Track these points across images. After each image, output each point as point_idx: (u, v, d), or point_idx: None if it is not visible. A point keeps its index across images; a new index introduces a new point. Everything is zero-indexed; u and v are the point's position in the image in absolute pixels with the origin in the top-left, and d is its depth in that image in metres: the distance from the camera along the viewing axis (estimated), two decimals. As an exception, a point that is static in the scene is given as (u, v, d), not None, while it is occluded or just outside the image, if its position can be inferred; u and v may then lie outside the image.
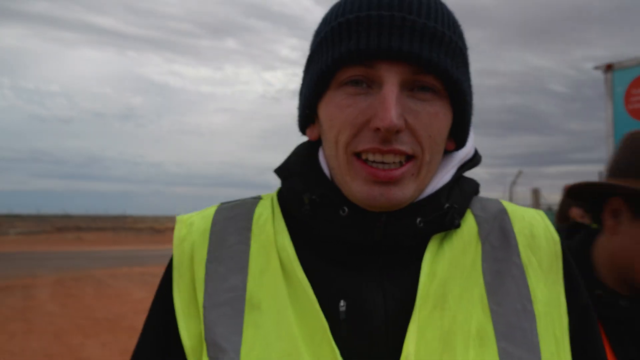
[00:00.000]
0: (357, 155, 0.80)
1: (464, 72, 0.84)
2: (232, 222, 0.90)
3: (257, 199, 0.95)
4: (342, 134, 0.79)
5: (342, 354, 0.78)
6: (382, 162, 0.78)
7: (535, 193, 19.40)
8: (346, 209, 0.83)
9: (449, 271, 0.84)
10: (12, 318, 10.16)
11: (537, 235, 0.90)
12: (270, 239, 0.87)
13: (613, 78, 6.28)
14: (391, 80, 0.77)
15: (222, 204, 0.96)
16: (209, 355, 0.80)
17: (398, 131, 0.77)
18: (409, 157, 0.80)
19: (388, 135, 0.76)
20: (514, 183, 17.28)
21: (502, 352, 0.79)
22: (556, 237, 0.91)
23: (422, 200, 0.85)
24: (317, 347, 0.78)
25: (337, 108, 0.80)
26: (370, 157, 0.79)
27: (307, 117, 0.89)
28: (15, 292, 13.45)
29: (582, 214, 4.43)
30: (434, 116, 0.80)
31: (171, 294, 0.88)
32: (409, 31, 0.76)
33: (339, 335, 0.79)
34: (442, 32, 0.79)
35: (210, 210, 0.94)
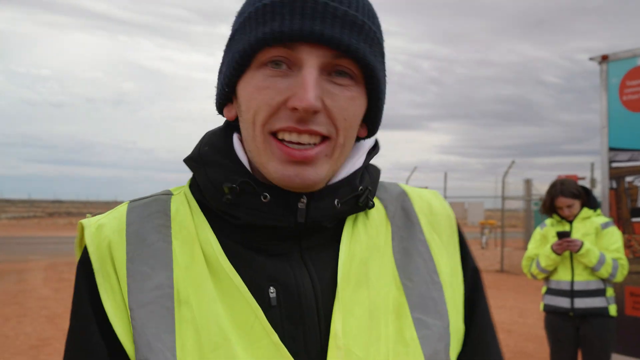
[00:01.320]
0: (274, 135, 0.82)
1: (380, 62, 0.87)
2: (149, 220, 0.88)
3: (169, 194, 0.93)
4: (259, 114, 0.81)
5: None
6: (298, 143, 0.80)
7: (528, 183, 19.50)
8: (267, 195, 0.84)
9: (367, 251, 0.89)
10: (6, 302, 10.16)
11: (435, 212, 0.98)
12: (192, 234, 0.86)
13: (608, 69, 6.31)
14: (311, 63, 0.79)
15: (131, 202, 0.93)
16: (138, 357, 0.79)
17: (315, 112, 0.79)
18: (324, 139, 0.82)
19: (305, 115, 0.78)
20: (506, 174, 17.35)
21: (416, 321, 0.86)
22: (451, 213, 1.00)
23: (339, 182, 0.88)
24: (249, 334, 0.80)
25: (255, 89, 0.81)
26: (287, 137, 0.80)
27: (226, 96, 0.90)
28: (8, 276, 13.43)
29: (569, 203, 4.51)
30: (351, 100, 0.83)
31: (97, 301, 0.83)
32: (331, 17, 0.79)
33: (272, 321, 0.81)
34: (362, 21, 0.82)
35: (121, 210, 0.90)
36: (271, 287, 0.83)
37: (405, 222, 0.95)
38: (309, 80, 0.78)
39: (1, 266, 15.23)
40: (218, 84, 0.91)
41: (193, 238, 0.86)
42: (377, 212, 0.95)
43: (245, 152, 0.90)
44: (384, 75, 0.90)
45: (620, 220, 6.11)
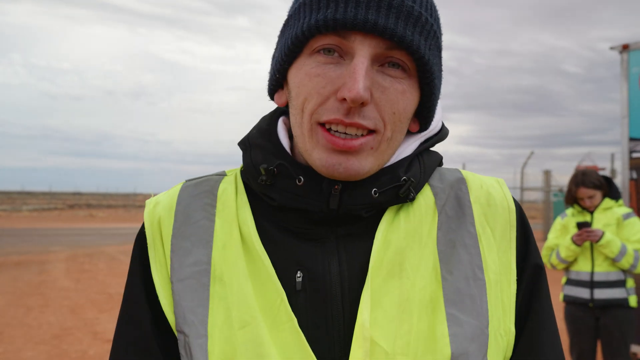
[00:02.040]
0: (321, 124, 0.81)
1: (435, 55, 0.85)
2: (197, 199, 0.92)
3: (222, 175, 0.97)
4: (309, 102, 0.81)
5: (299, 323, 0.81)
6: (345, 133, 0.80)
7: (547, 174, 19.31)
8: (302, 178, 0.84)
9: (405, 241, 0.86)
10: (29, 293, 10.32)
11: (493, 204, 0.92)
12: (233, 214, 0.89)
13: (629, 58, 6.22)
14: (363, 53, 0.78)
15: (187, 181, 0.97)
16: (177, 328, 0.84)
17: (363, 104, 0.78)
18: (370, 131, 0.81)
19: (353, 106, 0.78)
20: (525, 164, 17.20)
21: (450, 317, 0.82)
22: (512, 205, 0.93)
23: (380, 171, 0.87)
24: (275, 316, 0.81)
25: (306, 75, 0.81)
26: (334, 127, 0.80)
27: (277, 81, 0.90)
28: (31, 267, 13.63)
29: (590, 194, 4.47)
30: (401, 94, 0.81)
31: (149, 271, 0.90)
32: (386, 6, 0.77)
33: (296, 306, 0.82)
34: (419, 12, 0.80)
35: (176, 189, 0.96)
36: (299, 272, 0.84)
37: (456, 211, 0.90)
38: (359, 71, 0.77)
39: (23, 257, 15.46)
40: (270, 69, 0.91)
41: (233, 218, 0.89)
42: (425, 200, 0.91)
43: (289, 136, 0.91)
44: (440, 70, 0.88)
45: (641, 211, 6.04)
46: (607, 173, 17.39)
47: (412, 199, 0.88)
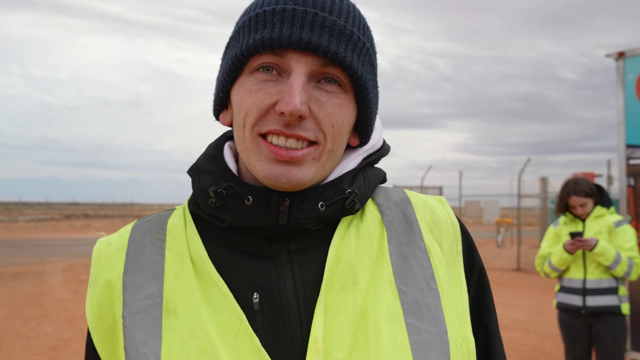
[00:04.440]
0: (263, 136, 0.85)
1: (369, 71, 0.89)
2: (147, 235, 0.94)
3: (171, 210, 1.00)
4: (250, 116, 0.84)
5: (260, 343, 0.82)
6: (285, 146, 0.83)
7: (544, 181, 19.36)
8: (250, 198, 0.87)
9: (356, 256, 0.89)
10: (26, 304, 10.29)
11: (437, 221, 0.96)
12: (183, 245, 0.91)
13: (625, 66, 6.25)
14: (299, 70, 0.82)
15: (138, 220, 1.00)
16: None
17: (301, 117, 0.82)
18: (311, 143, 0.85)
19: (292, 119, 0.81)
20: (522, 172, 17.24)
21: (409, 327, 0.84)
22: (455, 222, 0.98)
23: (325, 184, 0.90)
24: (234, 340, 0.82)
25: (247, 92, 0.85)
26: (275, 140, 0.83)
27: (221, 101, 0.93)
28: (28, 278, 13.59)
29: (582, 202, 4.49)
30: (338, 107, 0.85)
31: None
32: (319, 26, 0.82)
33: (255, 326, 0.83)
34: (351, 31, 0.85)
35: (127, 228, 0.98)
36: (255, 293, 0.85)
37: (405, 228, 0.94)
38: (295, 86, 0.81)
39: (20, 268, 15.41)
40: (215, 90, 0.94)
41: (183, 249, 0.91)
42: (373, 217, 0.94)
43: (235, 159, 0.94)
44: (374, 85, 0.92)
45: (638, 217, 6.06)
46: (603, 180, 17.45)
47: (357, 210, 0.90)
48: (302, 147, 0.84)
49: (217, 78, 0.94)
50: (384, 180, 1.01)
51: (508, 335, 8.01)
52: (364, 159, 0.97)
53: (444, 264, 0.93)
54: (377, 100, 0.94)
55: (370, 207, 0.95)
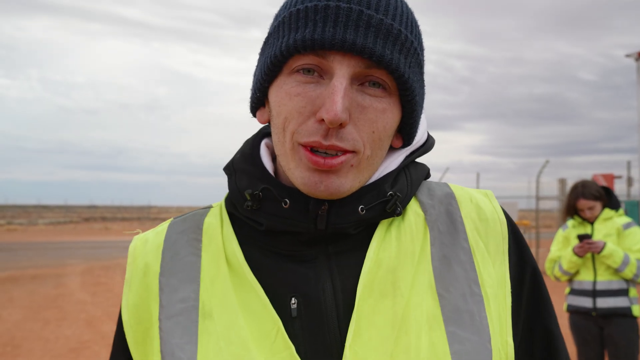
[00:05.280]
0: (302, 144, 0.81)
1: (416, 72, 0.85)
2: (184, 235, 0.92)
3: (208, 208, 0.96)
4: (290, 122, 0.80)
5: (297, 350, 0.79)
6: (325, 152, 0.79)
7: (562, 183, 19.17)
8: (287, 201, 0.83)
9: (397, 259, 0.85)
10: (45, 306, 10.39)
11: (484, 218, 0.91)
12: (220, 247, 0.88)
13: (645, 66, 6.18)
14: (342, 73, 0.78)
15: (175, 218, 0.97)
16: None
17: (341, 125, 0.77)
18: (350, 151, 0.81)
19: (332, 127, 0.77)
20: (540, 173, 17.09)
21: (450, 335, 0.80)
22: (503, 218, 0.92)
23: (365, 187, 0.86)
24: (271, 346, 0.79)
25: (286, 95, 0.81)
26: (314, 147, 0.80)
27: (258, 99, 0.89)
28: (47, 280, 13.72)
29: (590, 205, 4.46)
30: (381, 112, 0.81)
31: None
32: (365, 25, 0.77)
33: (293, 333, 0.80)
34: (398, 30, 0.80)
35: (164, 226, 0.96)
36: (293, 298, 0.82)
37: (448, 227, 0.89)
38: (337, 91, 0.76)
39: (40, 271, 15.56)
40: (252, 87, 0.90)
41: (220, 251, 0.88)
42: (415, 216, 0.90)
43: (272, 159, 0.91)
44: (421, 86, 0.88)
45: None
46: (623, 181, 17.25)
47: (399, 214, 0.87)
48: (340, 155, 0.80)
49: (255, 75, 0.90)
50: (427, 176, 0.97)
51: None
52: (407, 157, 0.93)
53: (490, 265, 0.88)
54: (423, 100, 0.90)
55: (412, 205, 0.91)
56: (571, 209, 4.59)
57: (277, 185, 0.85)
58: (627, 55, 6.35)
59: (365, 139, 0.80)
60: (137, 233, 0.99)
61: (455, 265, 0.86)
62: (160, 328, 0.85)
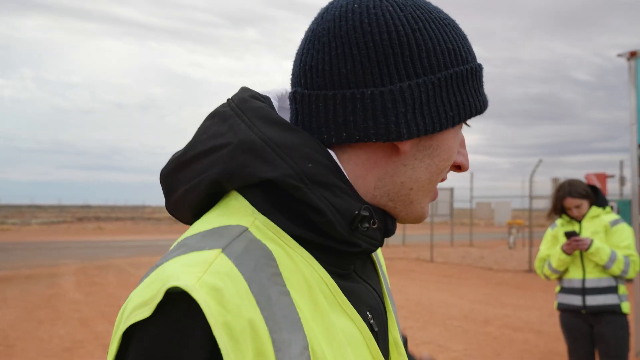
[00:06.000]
0: None
1: None
2: (262, 272, 0.70)
3: (244, 230, 0.74)
4: (448, 166, 0.86)
5: None
6: None
7: (556, 182, 19.25)
8: (376, 221, 0.82)
9: (377, 252, 0.99)
10: (39, 306, 10.37)
11: None
12: (303, 276, 0.74)
13: (637, 65, 6.22)
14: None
15: (226, 250, 0.69)
16: None
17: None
18: None
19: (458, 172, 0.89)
20: (533, 172, 17.16)
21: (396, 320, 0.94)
22: None
23: None
24: None
25: (457, 145, 0.85)
26: None
27: (430, 127, 0.80)
28: (41, 280, 13.70)
29: (577, 203, 4.51)
30: None
31: None
32: None
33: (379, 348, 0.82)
34: None
35: (225, 264, 0.67)
36: (367, 312, 0.83)
37: None
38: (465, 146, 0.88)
39: (33, 270, 15.53)
40: (426, 117, 0.79)
41: (307, 281, 0.74)
42: None
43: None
44: None
45: (651, 218, 6.02)
46: (616, 180, 17.33)
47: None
48: None
49: (436, 106, 0.79)
50: None
51: (521, 337, 7.99)
52: None
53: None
54: None
55: None
56: (558, 208, 4.65)
57: (367, 203, 0.80)
58: (619, 55, 6.36)
59: None
60: (178, 287, 0.63)
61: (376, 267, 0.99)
62: None
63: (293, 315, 0.69)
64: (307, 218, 0.75)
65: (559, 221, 4.74)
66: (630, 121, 6.23)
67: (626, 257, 4.36)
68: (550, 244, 4.75)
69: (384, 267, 1.00)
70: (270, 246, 0.73)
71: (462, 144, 0.87)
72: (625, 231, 4.49)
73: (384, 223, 0.84)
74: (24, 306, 10.35)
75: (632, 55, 6.24)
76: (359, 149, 0.80)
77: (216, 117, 0.80)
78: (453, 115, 0.80)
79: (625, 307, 4.40)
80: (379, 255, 1.01)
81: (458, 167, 0.87)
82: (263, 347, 0.64)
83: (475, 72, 0.83)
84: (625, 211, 13.18)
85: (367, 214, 0.77)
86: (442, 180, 0.87)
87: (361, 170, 0.81)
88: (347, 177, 0.79)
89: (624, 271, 4.33)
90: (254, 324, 0.64)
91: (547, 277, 4.74)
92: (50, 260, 18.47)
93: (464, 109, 0.81)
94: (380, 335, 0.84)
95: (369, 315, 0.81)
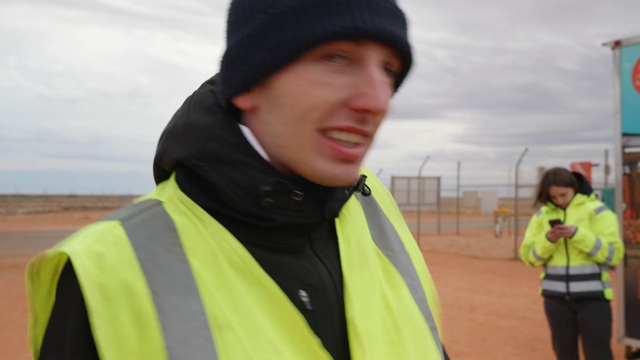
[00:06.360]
0: (321, 132, 0.76)
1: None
2: (157, 241, 0.75)
3: (158, 203, 0.80)
4: (315, 111, 0.75)
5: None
6: (347, 141, 0.77)
7: (541, 172, 19.37)
8: (302, 194, 0.79)
9: (356, 232, 0.89)
10: (24, 295, 10.22)
11: (376, 191, 1.02)
12: (212, 248, 0.77)
13: (621, 54, 6.26)
14: (375, 61, 0.75)
15: (124, 221, 0.77)
16: None
17: (376, 114, 0.76)
18: (365, 137, 0.79)
19: (369, 116, 0.76)
20: (519, 162, 17.26)
21: (410, 287, 0.89)
22: (387, 190, 1.05)
23: None
24: (298, 345, 0.76)
25: (312, 84, 0.75)
26: (337, 136, 0.76)
27: (246, 84, 0.79)
28: (26, 270, 13.60)
29: (562, 192, 4.56)
30: (389, 100, 0.80)
31: (87, 346, 0.69)
32: (391, 14, 0.76)
33: (312, 327, 0.78)
34: (405, 14, 0.79)
35: (117, 233, 0.74)
36: (301, 291, 0.80)
37: (366, 200, 0.97)
38: (378, 81, 0.74)
39: (19, 260, 15.43)
40: (238, 71, 0.80)
41: (213, 252, 0.77)
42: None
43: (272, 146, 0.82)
44: None
45: (634, 205, 6.09)
46: (601, 169, 17.48)
47: (368, 193, 0.91)
48: (362, 143, 0.78)
49: (243, 56, 0.79)
50: None
51: (505, 324, 8.07)
52: None
53: (398, 225, 1.00)
54: None
55: None
56: (544, 196, 4.69)
57: (286, 177, 0.79)
58: (604, 44, 6.39)
59: (378, 125, 0.81)
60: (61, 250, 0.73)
61: (387, 230, 0.95)
62: (171, 358, 0.69)
63: (188, 281, 0.73)
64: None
65: (544, 208, 4.79)
66: (615, 109, 6.28)
67: (610, 244, 4.40)
68: (536, 231, 4.79)
69: (404, 239, 0.98)
70: (177, 219, 0.78)
71: (369, 83, 0.74)
72: (609, 218, 4.53)
73: (315, 193, 0.80)
74: (8, 295, 10.29)
75: (617, 44, 6.27)
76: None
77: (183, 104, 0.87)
78: (267, 51, 0.76)
79: (608, 293, 4.45)
80: (396, 228, 0.98)
81: (361, 109, 0.75)
82: (142, 309, 0.69)
83: (311, 3, 0.74)
84: (609, 199, 13.30)
85: (268, 188, 0.77)
86: (339, 129, 0.76)
87: (257, 137, 0.81)
88: (260, 151, 0.80)
89: (608, 258, 4.38)
90: (131, 286, 0.70)
91: (531, 264, 4.79)
92: (36, 249, 18.32)
93: (281, 40, 0.75)
94: (319, 315, 0.79)
95: (303, 293, 0.79)
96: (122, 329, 0.69)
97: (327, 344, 0.78)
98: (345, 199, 0.85)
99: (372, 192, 1.00)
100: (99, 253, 0.72)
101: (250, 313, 0.74)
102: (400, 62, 0.80)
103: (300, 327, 0.76)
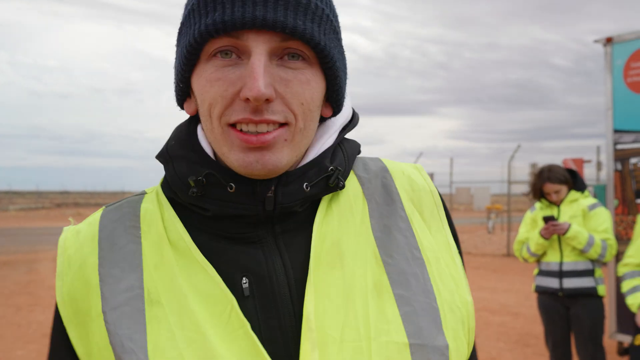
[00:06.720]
0: (232, 125, 0.81)
1: (332, 39, 0.85)
2: (120, 224, 0.89)
3: (142, 194, 0.95)
4: (215, 107, 0.80)
5: (253, 328, 0.80)
6: (256, 132, 0.80)
7: (534, 168, 19.45)
8: (233, 185, 0.83)
9: (340, 231, 0.88)
10: (17, 292, 10.28)
11: (416, 188, 0.97)
12: (161, 232, 0.87)
13: (613, 51, 6.28)
14: (259, 50, 0.78)
15: (107, 206, 0.94)
16: (116, 358, 0.80)
17: (268, 100, 0.78)
18: (282, 124, 0.81)
19: (258, 105, 0.77)
20: (512, 158, 17.32)
21: (398, 297, 0.84)
22: (433, 188, 0.99)
23: (307, 164, 0.88)
24: (225, 326, 0.79)
25: (207, 81, 0.80)
26: (244, 128, 0.80)
27: (182, 91, 0.88)
28: (19, 266, 13.57)
29: (556, 189, 4.59)
30: (306, 84, 0.81)
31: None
32: (273, 0, 0.77)
33: (247, 311, 0.81)
34: (308, 0, 0.80)
35: (96, 216, 0.93)
36: (244, 278, 0.83)
37: (385, 199, 0.94)
38: (257, 69, 0.77)
39: (12, 257, 15.37)
40: (174, 79, 0.89)
41: (161, 236, 0.87)
42: (353, 190, 0.93)
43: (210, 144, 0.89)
44: (340, 52, 0.88)
45: (625, 201, 6.12)
46: (593, 165, 17.56)
47: (343, 187, 0.90)
48: (272, 130, 0.80)
49: (175, 67, 0.88)
50: (359, 151, 1.00)
51: (498, 320, 8.10)
52: (340, 132, 0.95)
53: (427, 231, 0.94)
54: (345, 66, 0.91)
55: (350, 180, 0.94)
56: (538, 193, 4.71)
57: (220, 169, 0.85)
58: (596, 41, 6.42)
59: (296, 111, 0.81)
60: (70, 224, 0.95)
61: (396, 233, 0.90)
62: (105, 321, 0.82)
63: (134, 260, 0.85)
64: None
65: (538, 204, 4.81)
66: (606, 106, 6.31)
67: (603, 240, 4.43)
68: (530, 226, 4.82)
69: (425, 245, 0.91)
70: (145, 206, 0.91)
71: (249, 73, 0.77)
72: (602, 215, 4.55)
73: (253, 186, 0.84)
74: (1, 292, 10.26)
75: (609, 41, 6.30)
76: None
77: None
78: (178, 59, 0.86)
79: (601, 290, 4.48)
80: (418, 231, 0.92)
81: (247, 100, 0.78)
82: (89, 277, 0.85)
83: (193, 9, 0.82)
84: (601, 196, 13.37)
85: (194, 178, 0.85)
86: (239, 122, 0.80)
87: (206, 136, 0.88)
88: (202, 146, 0.89)
89: (601, 255, 4.41)
90: (86, 258, 0.87)
91: (525, 260, 4.82)
92: (29, 246, 18.29)
93: (181, 49, 0.84)
94: (261, 303, 0.82)
95: (244, 280, 0.83)
96: (74, 292, 0.86)
97: (269, 333, 0.81)
98: (302, 194, 0.86)
99: (409, 190, 0.96)
100: (78, 230, 0.92)
101: (180, 293, 0.82)
102: (306, 45, 0.81)
103: (230, 308, 0.80)
